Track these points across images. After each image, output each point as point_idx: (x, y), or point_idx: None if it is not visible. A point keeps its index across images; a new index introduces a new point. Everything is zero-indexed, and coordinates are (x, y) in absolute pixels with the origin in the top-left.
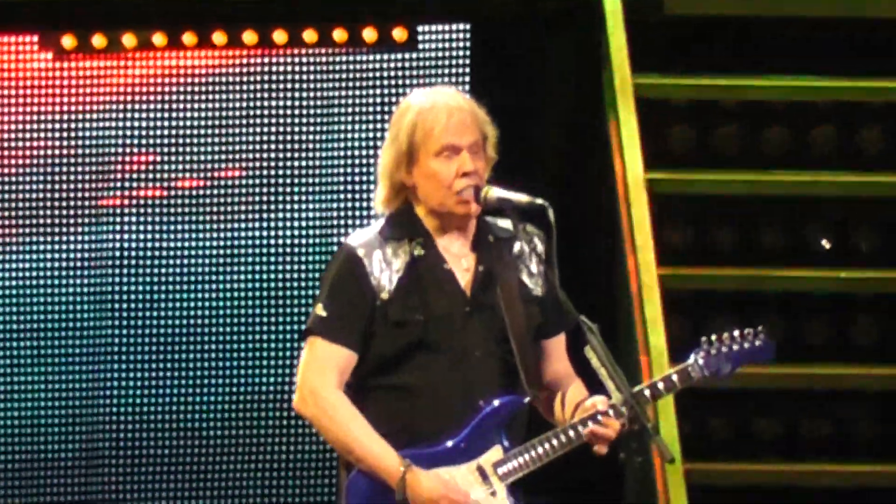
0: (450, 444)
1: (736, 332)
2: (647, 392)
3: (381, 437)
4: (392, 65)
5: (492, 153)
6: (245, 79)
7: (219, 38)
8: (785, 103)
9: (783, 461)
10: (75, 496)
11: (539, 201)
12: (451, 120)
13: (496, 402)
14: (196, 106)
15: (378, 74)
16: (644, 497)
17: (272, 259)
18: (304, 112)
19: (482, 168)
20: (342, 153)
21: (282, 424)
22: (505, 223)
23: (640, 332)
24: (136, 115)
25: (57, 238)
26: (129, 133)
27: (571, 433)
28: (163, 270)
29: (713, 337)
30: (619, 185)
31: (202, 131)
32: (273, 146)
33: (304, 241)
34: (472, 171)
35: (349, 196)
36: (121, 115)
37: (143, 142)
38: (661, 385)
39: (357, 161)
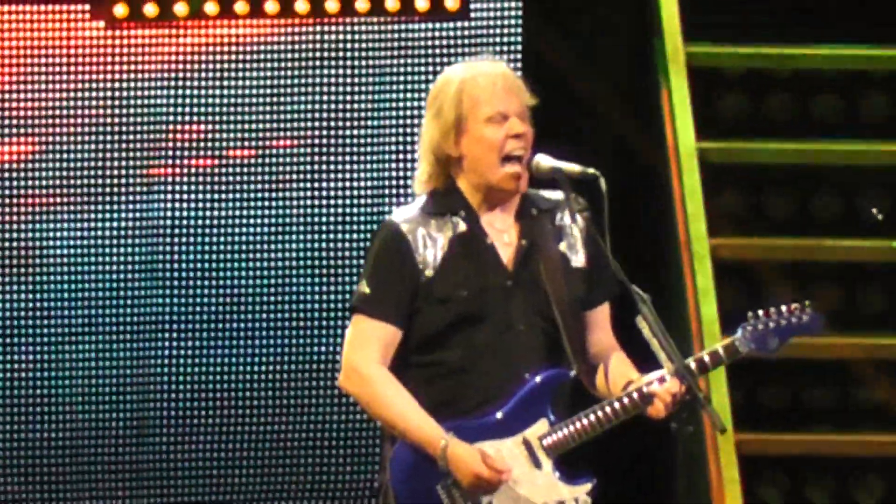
0: (495, 417)
1: (783, 307)
2: (694, 365)
3: (423, 411)
4: (444, 34)
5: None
6: (297, 48)
7: (271, 6)
8: (836, 72)
9: (835, 431)
10: (126, 465)
11: (591, 171)
12: (497, 87)
13: (541, 376)
14: (248, 76)
15: (430, 44)
16: (695, 467)
17: (323, 229)
18: (356, 81)
19: (530, 135)
20: (393, 122)
21: (331, 395)
22: (550, 193)
23: (691, 302)
24: (188, 84)
25: (108, 207)
26: (180, 102)
27: (618, 405)
28: (213, 240)
29: (760, 312)
30: (670, 154)
31: (254, 101)
32: (325, 116)
33: (355, 210)
34: (522, 133)
35: (401, 166)
36: (172, 85)
37: (195, 111)
38: (707, 359)
39: (408, 130)
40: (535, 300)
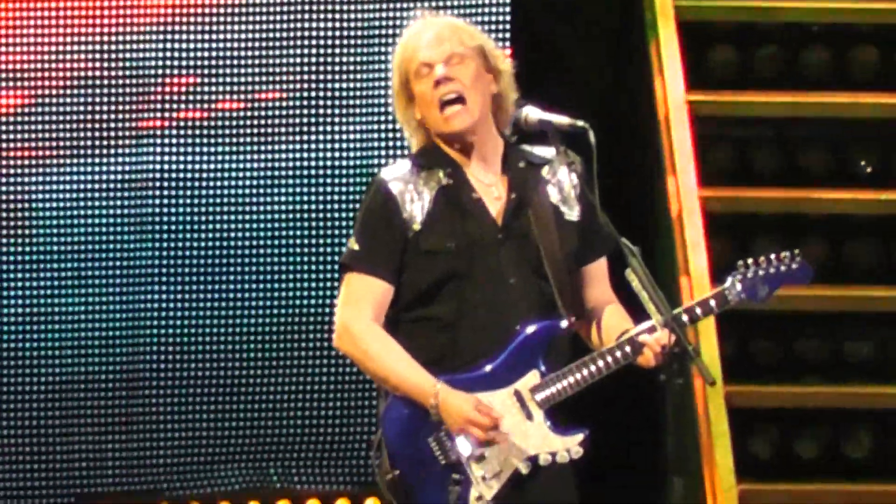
0: (486, 369)
1: (773, 256)
2: (684, 316)
3: (416, 363)
4: None
5: (497, 65)
6: (286, 0)
7: None
8: (825, 24)
9: (825, 383)
10: (115, 418)
11: (580, 123)
12: (421, 39)
13: (532, 328)
14: (237, 28)
15: None
16: (684, 420)
17: (312, 181)
18: (345, 34)
19: (468, 76)
20: (382, 74)
21: (321, 346)
22: (541, 150)
23: (681, 255)
24: (177, 36)
25: (97, 160)
26: (169, 55)
27: (609, 357)
28: (202, 192)
29: (749, 260)
30: (660, 107)
31: (243, 53)
32: (313, 68)
33: (344, 162)
34: (442, 78)
35: (389, 118)
36: (161, 37)
37: (184, 63)
38: (698, 309)
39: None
40: (526, 253)
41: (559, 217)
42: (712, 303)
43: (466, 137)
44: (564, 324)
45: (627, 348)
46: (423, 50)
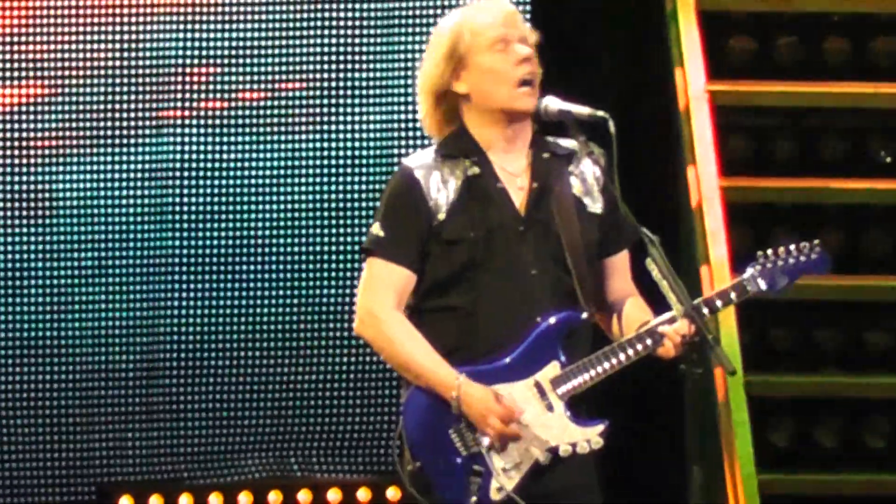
0: (507, 360)
1: (792, 246)
2: (704, 307)
3: (437, 354)
4: None
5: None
6: None
7: None
8: (844, 14)
9: (844, 373)
10: (136, 407)
11: (600, 113)
12: (496, 15)
13: (552, 318)
14: (258, 17)
15: None
16: (704, 409)
17: (333, 171)
18: (367, 23)
19: (537, 62)
20: (403, 64)
21: (342, 338)
22: (566, 142)
23: (701, 245)
24: (198, 26)
25: (118, 150)
26: (190, 45)
27: (630, 350)
28: (223, 182)
29: (769, 251)
30: (680, 96)
31: (264, 43)
32: (335, 58)
33: (364, 153)
34: (529, 56)
35: (410, 108)
36: (182, 27)
37: (205, 53)
38: (718, 300)
39: (418, 73)
40: (547, 244)
41: (581, 209)
42: (732, 294)
43: (520, 121)
44: (584, 315)
45: (648, 340)
46: (499, 25)
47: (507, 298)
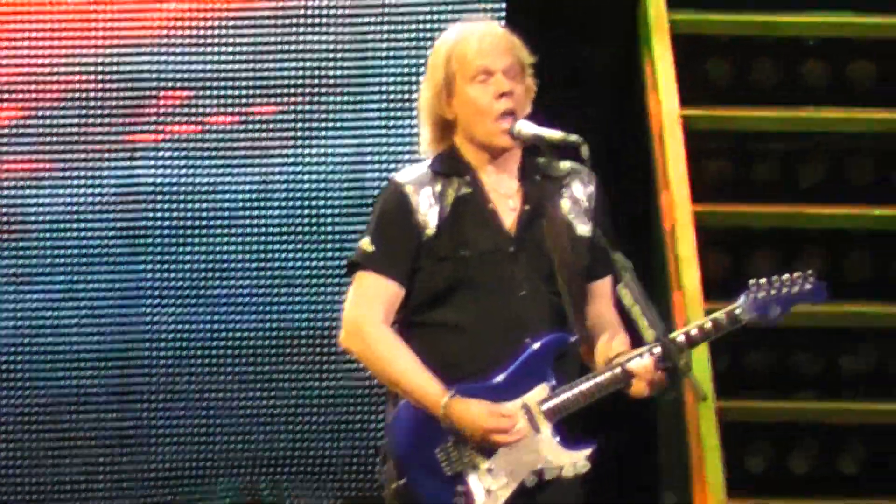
0: (495, 380)
1: (786, 275)
2: (694, 332)
3: (427, 370)
4: None
5: (530, 83)
6: (279, 13)
7: None
8: (822, 38)
9: (820, 398)
10: (108, 432)
11: (573, 137)
12: (482, 44)
13: (542, 340)
14: (230, 41)
15: (412, 10)
16: (677, 434)
17: (305, 195)
18: (338, 48)
19: (521, 93)
20: (376, 88)
21: (314, 362)
22: (557, 163)
23: (673, 270)
24: (171, 50)
25: (90, 174)
26: (162, 69)
27: (618, 371)
28: (195, 206)
29: (762, 280)
30: (654, 122)
31: (236, 67)
32: (307, 82)
33: (336, 177)
34: (508, 91)
35: (382, 132)
36: (154, 51)
37: (177, 77)
38: (709, 325)
39: (391, 97)
40: (538, 265)
41: (571, 231)
42: (724, 321)
43: (503, 151)
44: (574, 337)
45: (619, 373)
46: (484, 55)
47: (497, 318)
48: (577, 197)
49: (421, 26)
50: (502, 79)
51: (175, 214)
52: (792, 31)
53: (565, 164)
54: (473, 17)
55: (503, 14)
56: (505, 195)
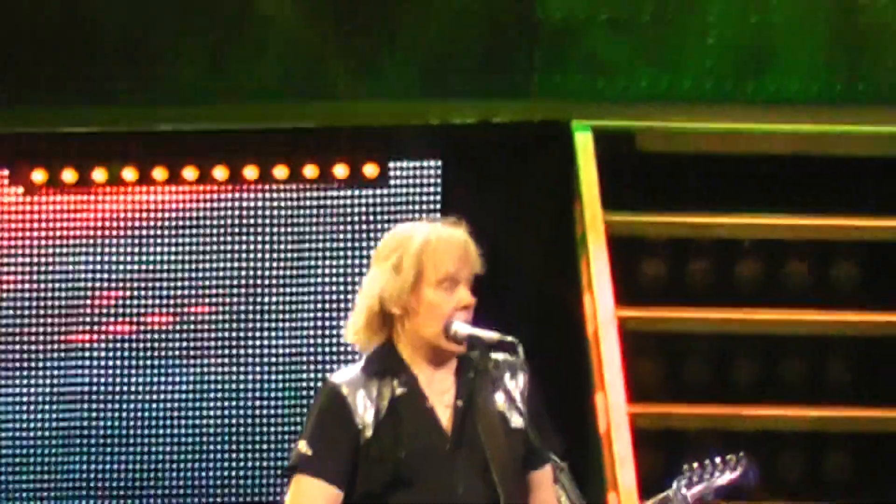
0: None
1: (717, 459)
2: None
3: None
4: (363, 200)
5: None
6: (215, 214)
7: (190, 173)
8: (756, 240)
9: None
10: None
11: (509, 338)
12: (453, 251)
13: None
14: (166, 241)
15: (349, 210)
16: None
17: (242, 395)
18: (275, 248)
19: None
20: (312, 289)
21: None
22: (493, 357)
23: (609, 471)
24: (106, 250)
25: (26, 374)
26: (98, 268)
27: None
28: (132, 406)
29: (695, 464)
30: (589, 322)
31: (172, 267)
32: (243, 282)
33: (273, 377)
34: (470, 305)
35: (319, 332)
36: (90, 251)
37: (113, 277)
38: None
39: (327, 297)
40: (475, 461)
41: (506, 424)
42: None
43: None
44: None
45: None
46: (455, 263)
47: None
48: (510, 389)
49: (357, 227)
50: (465, 291)
51: (111, 414)
52: (726, 233)
53: (498, 357)
54: (444, 219)
55: (439, 213)
56: (440, 391)
